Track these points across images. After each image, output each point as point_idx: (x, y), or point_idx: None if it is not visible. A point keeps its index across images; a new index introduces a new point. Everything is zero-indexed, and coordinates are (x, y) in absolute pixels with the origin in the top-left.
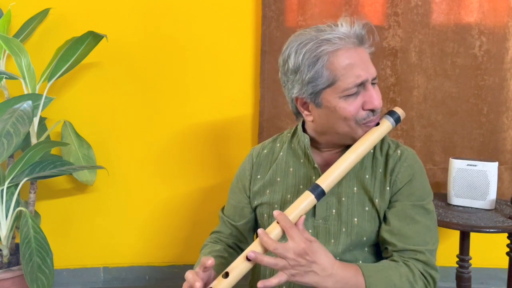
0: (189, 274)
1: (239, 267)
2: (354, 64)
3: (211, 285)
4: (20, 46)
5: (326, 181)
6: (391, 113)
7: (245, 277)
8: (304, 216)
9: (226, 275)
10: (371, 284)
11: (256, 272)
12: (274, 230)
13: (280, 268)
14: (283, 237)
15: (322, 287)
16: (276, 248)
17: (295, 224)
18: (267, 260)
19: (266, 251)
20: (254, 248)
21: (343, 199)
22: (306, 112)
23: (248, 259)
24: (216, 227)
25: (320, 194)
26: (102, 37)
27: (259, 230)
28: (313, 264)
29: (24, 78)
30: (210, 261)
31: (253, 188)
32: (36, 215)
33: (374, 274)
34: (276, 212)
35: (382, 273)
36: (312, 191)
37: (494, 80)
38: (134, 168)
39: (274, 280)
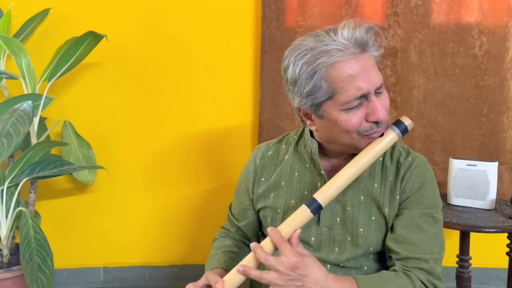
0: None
1: (233, 279)
2: (355, 76)
3: None
4: (20, 46)
5: (324, 195)
6: (397, 123)
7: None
8: (299, 230)
9: None
10: None
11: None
12: (266, 246)
13: (267, 282)
14: (277, 253)
15: None
16: (267, 259)
17: (289, 238)
18: (254, 273)
19: (259, 264)
20: (248, 261)
21: (348, 208)
22: (309, 122)
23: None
24: (225, 223)
25: (316, 208)
26: (102, 37)
27: (252, 244)
28: (305, 278)
29: (24, 78)
30: (218, 285)
31: (257, 191)
32: (36, 215)
33: (370, 287)
34: (269, 229)
35: (379, 285)
36: (308, 205)
37: (494, 80)
38: (134, 168)
39: None
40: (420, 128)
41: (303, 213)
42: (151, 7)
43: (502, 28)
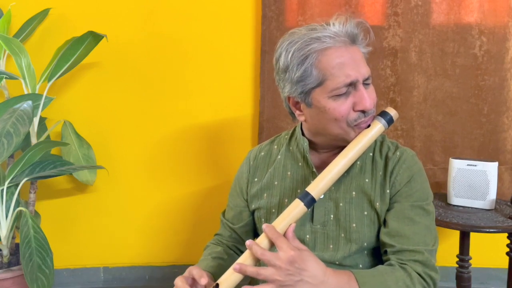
0: (178, 282)
1: (230, 279)
2: (344, 63)
3: None
4: (20, 46)
5: (316, 188)
6: (383, 114)
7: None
8: (294, 225)
9: (217, 286)
10: None
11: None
12: (262, 243)
13: (264, 278)
14: (273, 249)
15: None
16: (264, 254)
17: (285, 233)
18: (250, 270)
19: (257, 261)
20: (244, 259)
21: (341, 204)
22: (298, 112)
23: None
24: (218, 230)
25: (310, 201)
26: (102, 37)
27: (247, 242)
28: (303, 272)
29: (24, 78)
30: (203, 279)
31: (250, 191)
32: (36, 215)
33: (369, 280)
34: (264, 225)
35: (377, 279)
36: (302, 199)
37: (494, 80)
38: (134, 168)
39: None
40: (420, 128)
41: (297, 207)
42: (151, 7)
43: (502, 28)
